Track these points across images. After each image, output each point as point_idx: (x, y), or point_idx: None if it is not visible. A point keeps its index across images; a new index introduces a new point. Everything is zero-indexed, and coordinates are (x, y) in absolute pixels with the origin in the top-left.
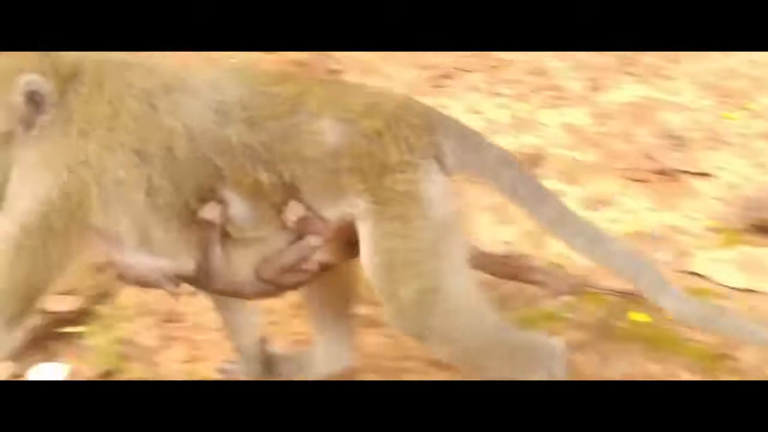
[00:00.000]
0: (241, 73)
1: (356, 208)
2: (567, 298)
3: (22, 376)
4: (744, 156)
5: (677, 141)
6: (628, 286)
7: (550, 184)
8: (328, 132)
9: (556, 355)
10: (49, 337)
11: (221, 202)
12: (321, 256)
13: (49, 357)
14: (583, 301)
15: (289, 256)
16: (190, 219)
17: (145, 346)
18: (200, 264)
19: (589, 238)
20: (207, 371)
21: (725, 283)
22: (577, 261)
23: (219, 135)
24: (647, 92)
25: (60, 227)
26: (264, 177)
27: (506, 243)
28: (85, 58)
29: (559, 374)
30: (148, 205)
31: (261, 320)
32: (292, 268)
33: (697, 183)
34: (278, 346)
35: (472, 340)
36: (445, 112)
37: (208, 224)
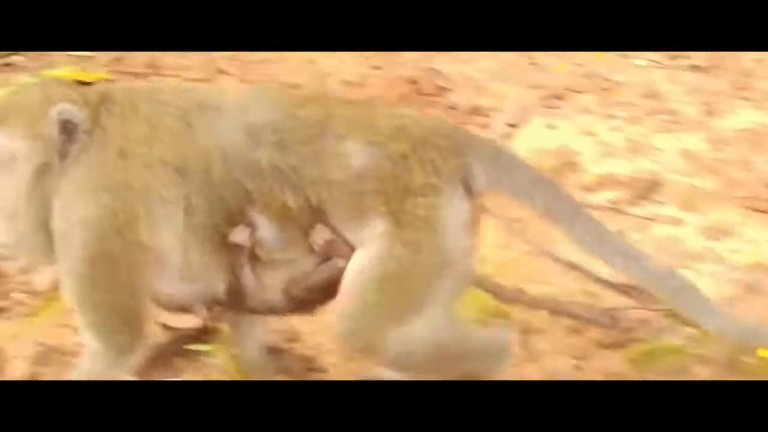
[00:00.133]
0: (270, 94)
1: (375, 229)
2: (692, 331)
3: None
4: None
5: None
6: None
7: (668, 211)
8: (355, 155)
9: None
10: (175, 353)
11: (250, 225)
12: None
13: (176, 374)
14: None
15: (316, 278)
16: (221, 242)
17: None
18: (231, 286)
19: (628, 257)
20: None
21: None
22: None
23: (250, 158)
24: (763, 119)
25: (119, 249)
26: (292, 201)
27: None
28: (111, 86)
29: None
30: (186, 226)
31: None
32: (320, 288)
33: None
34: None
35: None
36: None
37: (237, 247)
